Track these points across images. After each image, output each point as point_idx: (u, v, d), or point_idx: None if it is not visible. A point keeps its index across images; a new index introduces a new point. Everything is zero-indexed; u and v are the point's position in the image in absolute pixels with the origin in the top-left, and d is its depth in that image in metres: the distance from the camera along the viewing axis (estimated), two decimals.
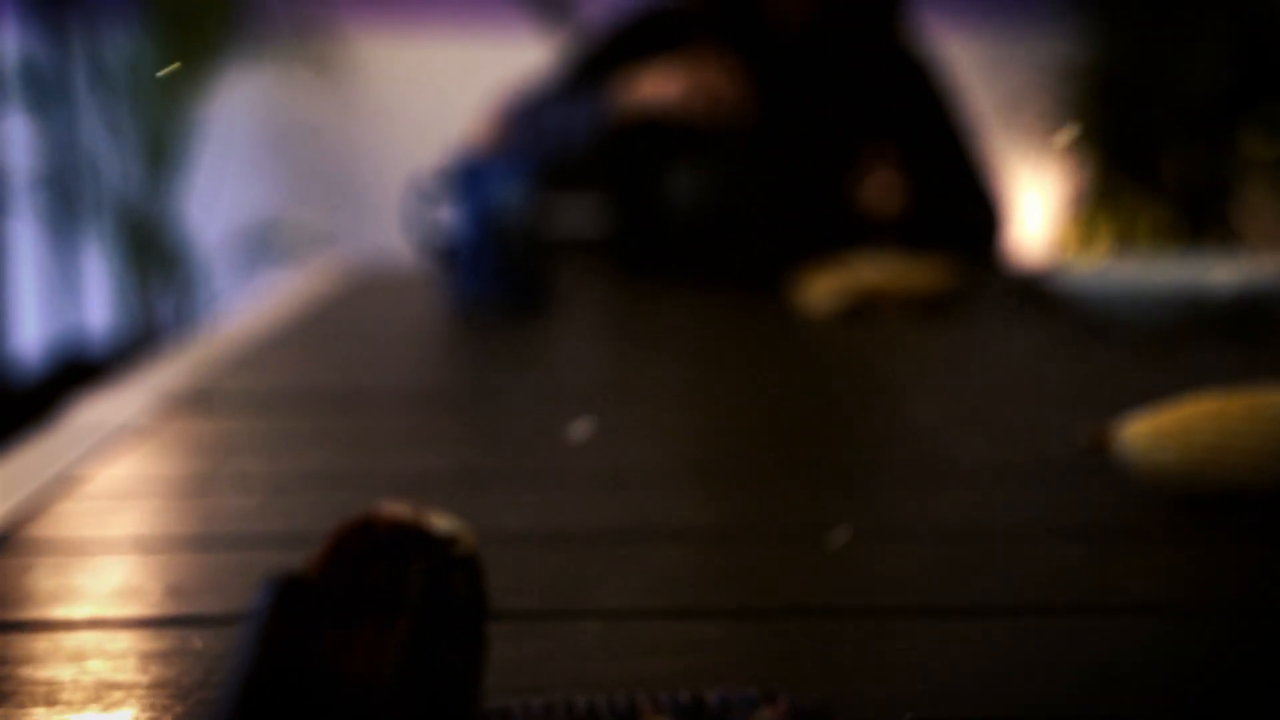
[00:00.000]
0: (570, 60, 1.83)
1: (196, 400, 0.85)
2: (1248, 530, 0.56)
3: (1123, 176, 3.19)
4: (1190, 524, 0.57)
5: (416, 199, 1.33)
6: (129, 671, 0.42)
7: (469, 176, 1.30)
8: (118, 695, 0.40)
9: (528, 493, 0.63)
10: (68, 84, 3.12)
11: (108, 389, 0.89)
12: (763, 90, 1.70)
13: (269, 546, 0.55)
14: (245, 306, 1.51)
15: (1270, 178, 3.11)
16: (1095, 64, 3.21)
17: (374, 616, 0.29)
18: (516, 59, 2.56)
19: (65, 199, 3.10)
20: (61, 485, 0.64)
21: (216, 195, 3.21)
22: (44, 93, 3.09)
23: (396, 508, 0.30)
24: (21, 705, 0.39)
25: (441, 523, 0.30)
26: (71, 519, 0.59)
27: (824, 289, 1.24)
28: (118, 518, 0.59)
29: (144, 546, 0.55)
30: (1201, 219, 3.12)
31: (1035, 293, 1.30)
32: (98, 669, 0.42)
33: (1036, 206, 3.29)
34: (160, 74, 3.00)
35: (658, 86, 1.62)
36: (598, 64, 1.77)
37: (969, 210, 1.81)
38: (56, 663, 0.43)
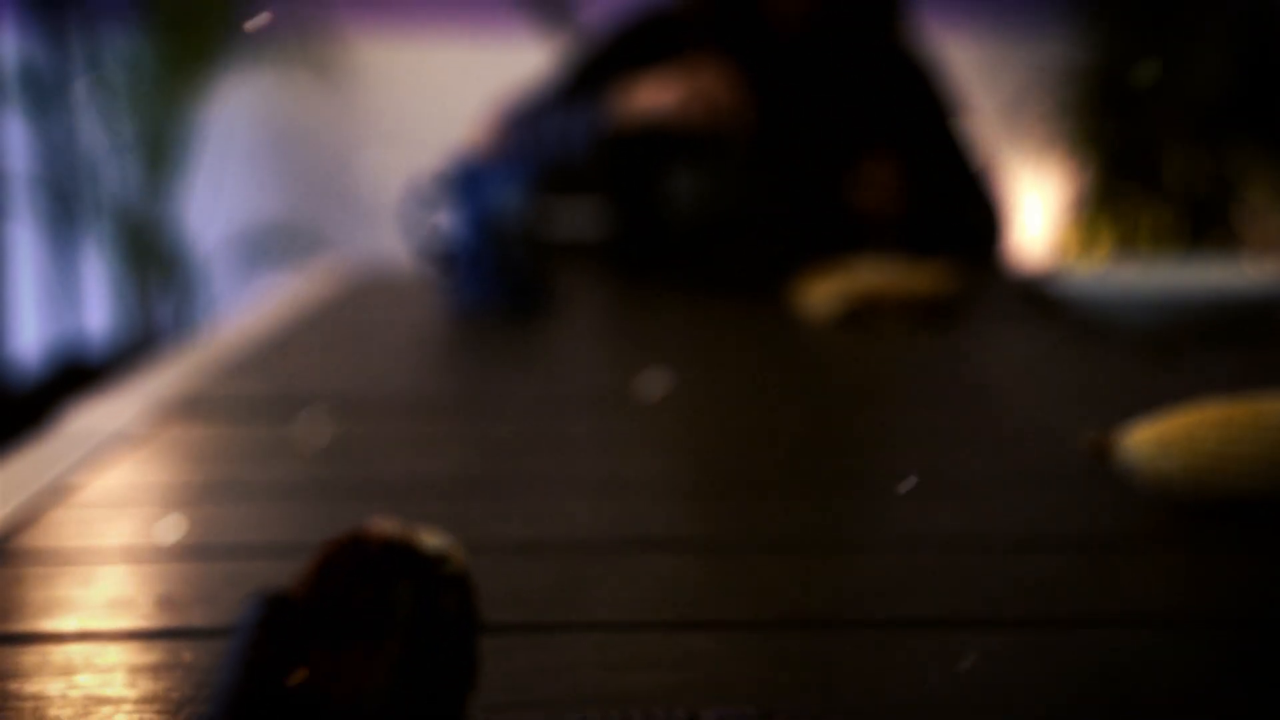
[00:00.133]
0: (570, 64, 1.82)
1: (191, 407, 0.85)
2: (1253, 539, 0.55)
3: (1124, 179, 3.18)
4: (1194, 532, 0.56)
5: (415, 203, 1.32)
6: (117, 686, 0.41)
7: (467, 180, 1.29)
8: (106, 710, 0.39)
9: (523, 501, 0.63)
10: (67, 87, 3.11)
11: (102, 395, 0.88)
12: (762, 93, 1.70)
13: (262, 557, 0.55)
14: (243, 311, 1.50)
15: (1272, 180, 3.10)
16: (1096, 66, 3.20)
17: (362, 636, 0.28)
18: (516, 62, 2.55)
19: (64, 202, 3.10)
20: (53, 494, 0.63)
21: (215, 199, 3.20)
22: (43, 95, 3.09)
23: (386, 525, 0.30)
24: None
25: (431, 540, 0.30)
26: (63, 528, 0.58)
27: (824, 293, 1.24)
28: (109, 527, 0.59)
29: (135, 556, 0.55)
30: (1203, 222, 3.11)
31: (1036, 296, 1.29)
32: (86, 683, 0.41)
33: (1037, 209, 3.28)
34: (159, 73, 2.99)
35: (655, 95, 1.62)
36: (598, 68, 1.77)
37: (969, 213, 1.80)
38: (44, 677, 0.42)
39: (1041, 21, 3.22)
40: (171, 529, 0.58)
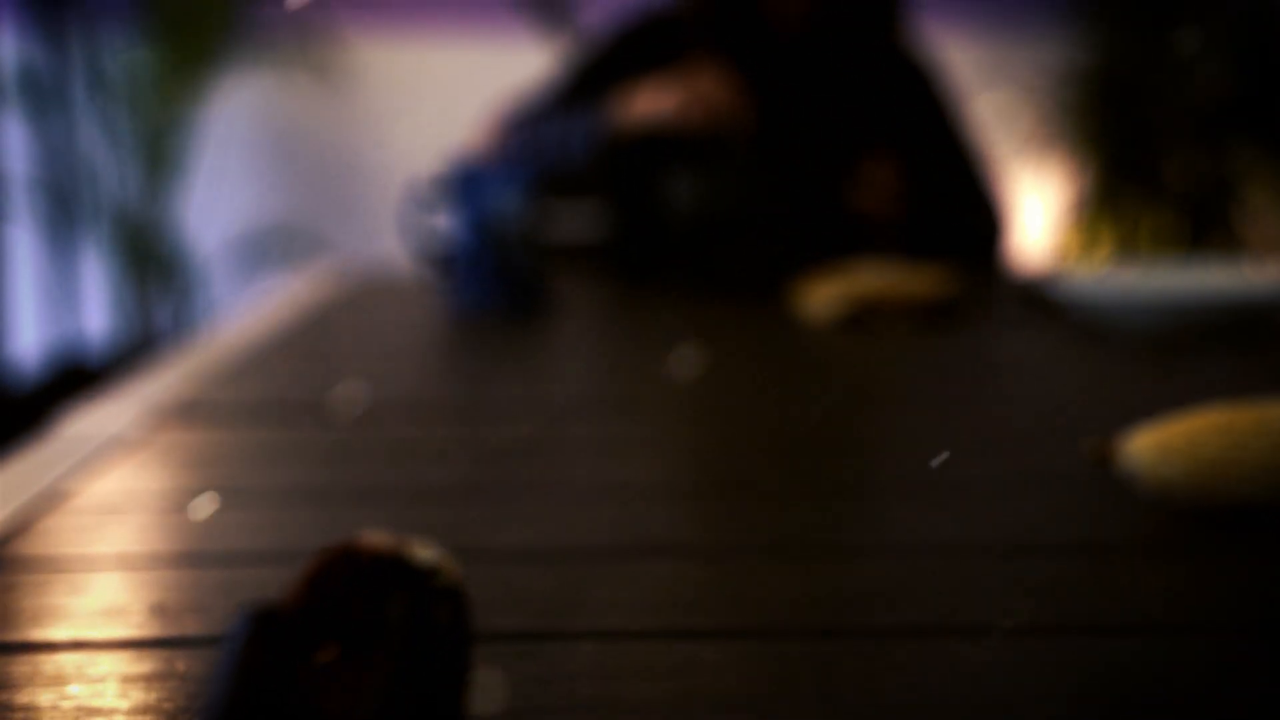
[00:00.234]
0: (570, 67, 1.82)
1: (188, 411, 0.84)
2: (1255, 545, 0.55)
3: (1124, 181, 3.18)
4: (1196, 539, 0.56)
5: (414, 205, 1.32)
6: (109, 696, 0.41)
7: (466, 182, 1.29)
8: None
9: (521, 506, 0.62)
10: (66, 89, 3.11)
11: (98, 400, 0.88)
12: (761, 95, 1.70)
13: (257, 564, 0.54)
14: (241, 314, 1.50)
15: (1272, 181, 3.10)
16: (1096, 67, 3.20)
17: (354, 650, 0.28)
18: (515, 65, 2.55)
19: (63, 205, 3.10)
20: (47, 500, 0.63)
21: (215, 201, 3.20)
22: (42, 98, 3.08)
23: (377, 537, 0.29)
24: None
25: (424, 552, 0.29)
26: (56, 535, 0.58)
27: (824, 296, 1.23)
28: (103, 534, 0.58)
29: (129, 564, 0.54)
30: (1204, 223, 3.11)
31: (1036, 299, 1.29)
32: (78, 694, 0.41)
33: (1037, 212, 3.28)
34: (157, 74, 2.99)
35: (653, 101, 1.62)
36: (598, 71, 1.77)
37: (969, 215, 1.80)
38: (34, 687, 0.41)
39: (1041, 23, 3.21)
40: (205, 505, 0.58)
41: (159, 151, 3.09)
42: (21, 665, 0.43)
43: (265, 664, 0.26)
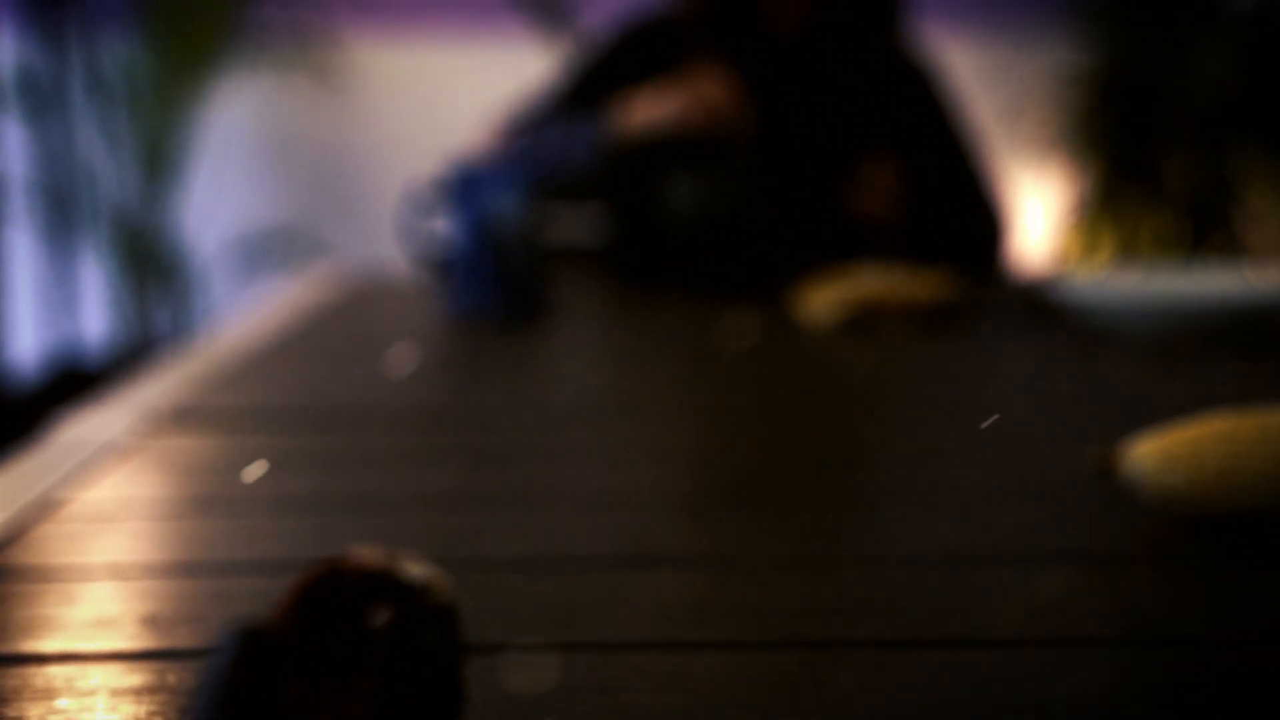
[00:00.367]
0: (570, 70, 1.81)
1: (183, 417, 0.84)
2: (1258, 554, 0.54)
3: (1125, 184, 3.17)
4: (1199, 547, 0.55)
5: (413, 208, 1.31)
6: (99, 710, 0.40)
7: (466, 185, 1.28)
8: None
9: (518, 516, 0.62)
10: (64, 92, 3.11)
11: (93, 405, 0.87)
12: (762, 98, 1.69)
13: (250, 574, 0.54)
14: (239, 318, 1.50)
15: (1273, 184, 3.10)
16: (1098, 70, 3.19)
17: (342, 669, 0.27)
18: (515, 67, 2.54)
19: (62, 208, 3.09)
20: (40, 509, 0.62)
21: (213, 204, 3.19)
22: (41, 101, 3.08)
23: (367, 553, 0.29)
24: None
25: (414, 569, 0.29)
26: (48, 544, 0.57)
27: (824, 299, 1.23)
28: (96, 543, 0.58)
29: (121, 574, 0.54)
30: (1205, 226, 3.11)
31: (1038, 303, 1.29)
32: (67, 707, 0.40)
33: (1038, 215, 3.27)
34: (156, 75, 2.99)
35: (654, 107, 1.61)
36: (598, 74, 1.76)
37: (970, 219, 1.79)
38: (23, 700, 0.41)
39: (1042, 25, 3.21)
40: (256, 471, 0.57)
41: (158, 154, 3.08)
42: (10, 678, 0.43)
43: (250, 685, 0.26)
